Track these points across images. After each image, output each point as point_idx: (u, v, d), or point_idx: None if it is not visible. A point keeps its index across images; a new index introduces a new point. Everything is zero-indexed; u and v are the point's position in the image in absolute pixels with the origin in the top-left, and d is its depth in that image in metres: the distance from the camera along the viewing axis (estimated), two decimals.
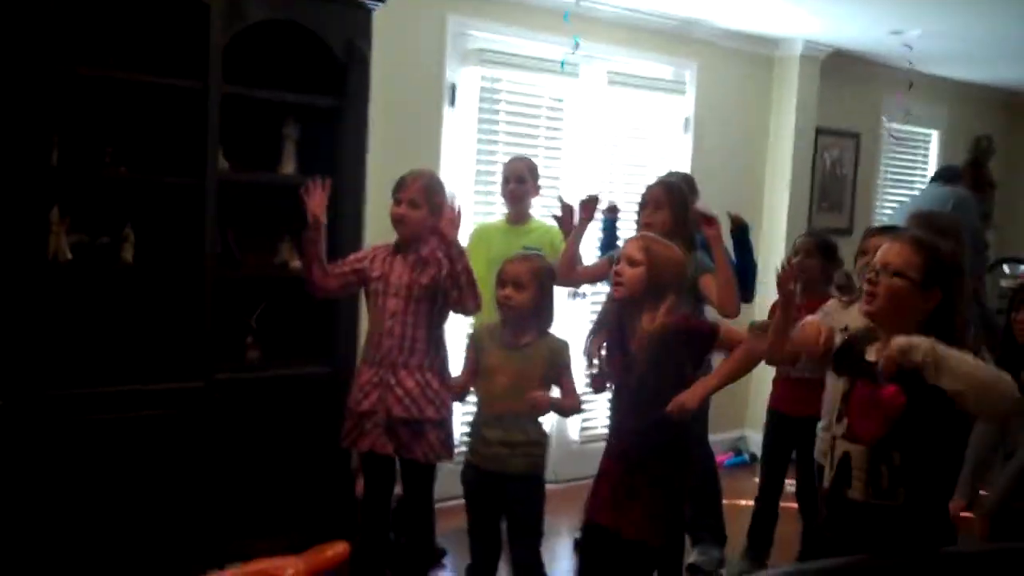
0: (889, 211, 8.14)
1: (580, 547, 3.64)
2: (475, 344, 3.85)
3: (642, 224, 4.29)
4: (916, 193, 7.97)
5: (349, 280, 4.03)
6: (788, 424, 4.67)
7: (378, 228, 4.32)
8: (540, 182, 4.99)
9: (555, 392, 3.73)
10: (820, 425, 3.92)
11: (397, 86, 5.02)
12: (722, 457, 6.47)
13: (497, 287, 3.68)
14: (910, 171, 8.35)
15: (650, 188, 4.42)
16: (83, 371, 3.92)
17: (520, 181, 4.91)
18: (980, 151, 8.67)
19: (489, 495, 3.74)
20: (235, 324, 4.41)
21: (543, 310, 3.72)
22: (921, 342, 2.55)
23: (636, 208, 4.43)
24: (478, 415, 3.83)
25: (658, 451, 3.25)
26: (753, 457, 6.82)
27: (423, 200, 3.88)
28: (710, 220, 4.11)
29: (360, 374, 3.95)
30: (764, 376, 4.70)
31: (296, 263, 4.50)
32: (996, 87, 8.56)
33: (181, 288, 4.14)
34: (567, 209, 4.52)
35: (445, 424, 3.94)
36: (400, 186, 3.93)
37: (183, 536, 4.08)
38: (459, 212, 3.75)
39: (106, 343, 4.11)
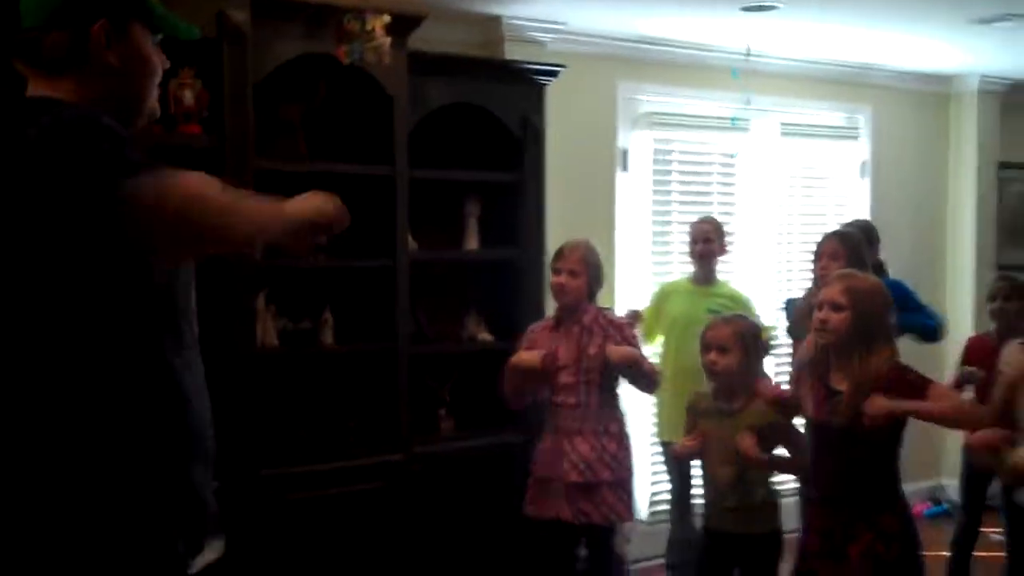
0: None
1: None
2: (692, 411, 3.82)
3: (817, 277, 4.30)
4: None
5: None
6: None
7: None
8: (726, 241, 5.06)
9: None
10: None
11: (572, 156, 5.12)
12: (920, 507, 6.31)
13: (702, 352, 3.68)
14: None
15: (824, 238, 4.42)
16: (292, 451, 4.14)
17: (707, 241, 4.95)
18: None
19: (726, 557, 3.73)
20: (429, 398, 4.58)
21: (752, 372, 3.67)
22: None
23: (812, 259, 4.46)
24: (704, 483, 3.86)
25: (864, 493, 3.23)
26: (953, 505, 6.61)
27: (582, 269, 3.94)
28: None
29: (542, 442, 4.05)
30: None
31: (484, 335, 4.64)
32: None
33: (378, 366, 4.33)
34: None
35: (624, 485, 3.99)
36: (559, 256, 4.00)
37: None
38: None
39: (311, 423, 4.32)
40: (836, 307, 3.21)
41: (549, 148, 4.68)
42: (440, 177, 4.52)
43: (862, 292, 3.25)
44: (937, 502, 6.60)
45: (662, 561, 5.25)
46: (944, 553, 5.19)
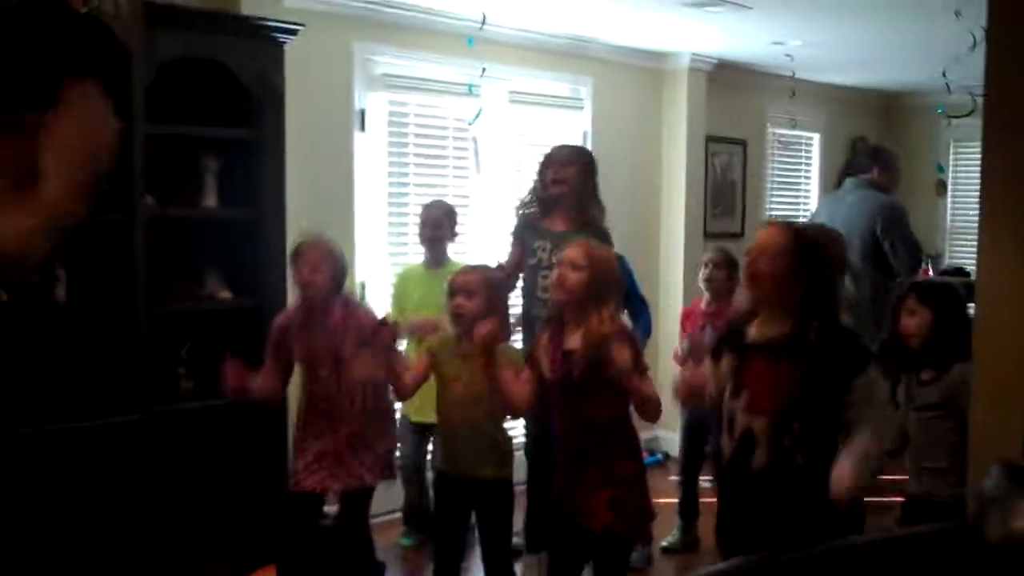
0: (777, 212, 8.50)
1: (549, 548, 3.75)
2: (430, 357, 3.89)
3: (549, 181, 4.54)
4: (805, 193, 8.33)
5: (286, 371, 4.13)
6: (702, 416, 4.94)
7: None
8: (456, 227, 5.19)
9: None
10: None
11: (311, 115, 5.11)
12: None
13: (448, 299, 3.76)
14: (795, 173, 8.70)
15: (556, 149, 4.72)
16: (22, 411, 3.95)
17: (436, 227, 5.07)
18: (856, 152, 9.09)
19: (461, 501, 3.84)
20: (168, 358, 4.48)
21: (492, 316, 3.72)
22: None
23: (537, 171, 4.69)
24: (439, 424, 3.92)
25: (602, 448, 3.41)
26: (666, 456, 7.07)
27: (324, 265, 3.93)
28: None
29: (304, 422, 4.05)
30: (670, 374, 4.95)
31: (224, 293, 4.59)
32: (871, 90, 8.96)
33: (114, 324, 4.20)
34: None
35: (390, 444, 4.13)
36: (297, 255, 3.97)
37: (130, 566, 4.14)
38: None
39: (44, 382, 4.15)
40: (575, 267, 3.38)
41: (289, 106, 4.65)
42: (177, 132, 4.42)
43: (600, 257, 3.44)
44: (652, 453, 7.02)
45: (399, 515, 5.38)
46: (664, 500, 5.57)
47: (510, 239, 4.80)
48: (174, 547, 4.28)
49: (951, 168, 9.11)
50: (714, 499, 5.19)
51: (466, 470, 3.77)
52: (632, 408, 3.42)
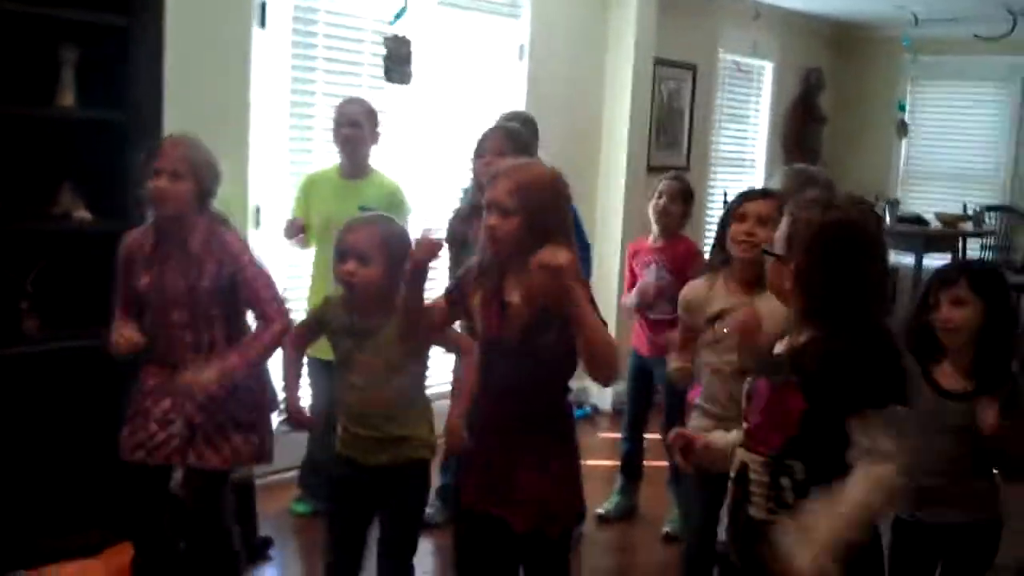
0: (724, 147, 7.89)
1: (457, 538, 3.08)
2: (318, 324, 3.16)
3: (478, 176, 3.79)
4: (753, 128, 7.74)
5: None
6: (649, 363, 4.60)
7: None
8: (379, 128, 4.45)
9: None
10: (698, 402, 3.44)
11: (199, 4, 4.34)
12: None
13: (336, 261, 2.98)
14: (744, 104, 8.10)
15: (488, 133, 3.89)
16: None
17: (354, 125, 4.32)
18: (810, 85, 8.54)
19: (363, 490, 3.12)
20: (7, 289, 3.68)
21: (395, 285, 2.93)
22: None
23: (472, 155, 3.91)
24: (339, 406, 3.16)
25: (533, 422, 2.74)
26: (595, 409, 6.46)
27: (186, 169, 3.15)
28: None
29: (147, 376, 3.26)
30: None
31: (82, 213, 3.78)
32: (827, 18, 8.42)
33: None
34: None
35: (258, 425, 3.33)
36: (156, 154, 3.18)
37: None
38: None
39: None
40: (504, 211, 2.64)
41: None
42: (27, 11, 3.58)
43: (534, 188, 2.66)
44: (580, 405, 6.38)
45: (295, 474, 4.65)
46: (593, 462, 5.02)
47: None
48: (5, 517, 3.55)
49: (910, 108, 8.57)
50: (661, 463, 4.80)
51: (369, 459, 3.05)
52: (582, 364, 2.70)
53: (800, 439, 2.22)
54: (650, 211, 4.61)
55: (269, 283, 3.25)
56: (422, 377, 3.13)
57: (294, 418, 3.17)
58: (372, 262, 2.91)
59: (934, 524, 2.94)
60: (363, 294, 2.96)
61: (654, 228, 4.59)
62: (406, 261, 2.83)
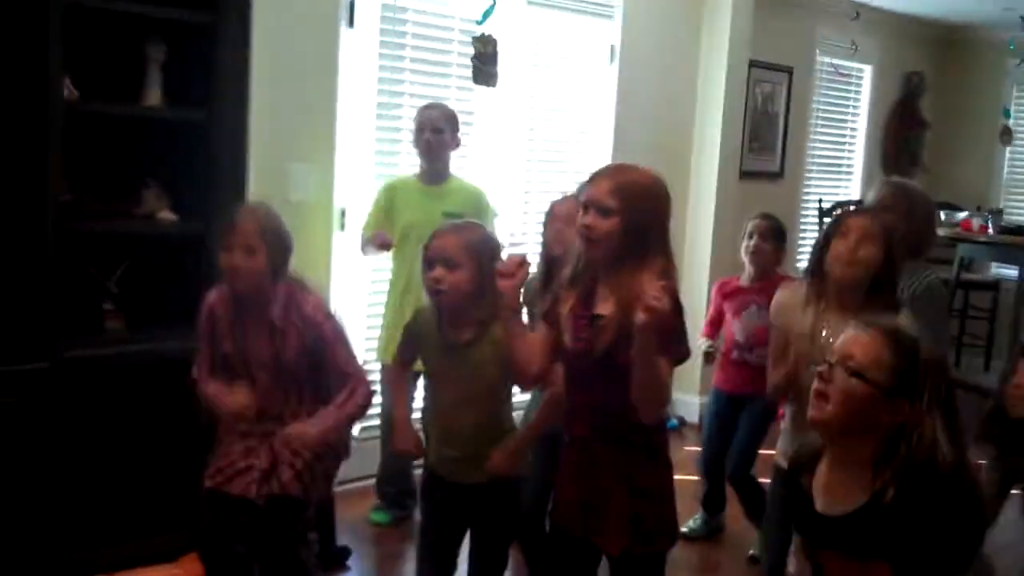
0: (820, 153, 7.65)
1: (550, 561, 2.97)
2: (414, 338, 3.04)
3: (547, 242, 3.53)
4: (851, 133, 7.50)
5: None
6: (733, 403, 4.39)
7: (264, 177, 3.55)
8: (459, 133, 4.35)
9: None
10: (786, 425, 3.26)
11: (286, 1, 4.26)
12: None
13: (424, 268, 2.88)
14: (842, 108, 7.85)
15: (560, 200, 3.58)
16: None
17: (437, 131, 4.22)
18: (912, 88, 8.27)
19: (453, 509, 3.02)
20: (90, 289, 3.64)
21: (485, 294, 2.81)
22: None
23: (544, 220, 3.62)
24: (428, 423, 3.09)
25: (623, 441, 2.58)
26: (682, 421, 6.28)
27: (260, 244, 3.02)
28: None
29: (229, 445, 3.17)
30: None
31: (166, 214, 3.73)
32: (930, 21, 8.13)
33: (19, 245, 3.34)
34: None
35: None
36: (230, 228, 3.05)
37: (30, 544, 3.36)
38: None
39: None
40: (603, 210, 2.48)
41: None
42: (114, 8, 3.53)
43: (636, 190, 2.51)
44: (667, 418, 6.22)
45: (372, 483, 4.57)
46: (688, 477, 4.87)
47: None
48: (83, 522, 3.50)
49: (1015, 114, 8.25)
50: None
51: (459, 477, 2.95)
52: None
53: None
54: (742, 252, 4.40)
55: (346, 342, 3.15)
56: (511, 397, 3.01)
57: (401, 445, 3.05)
58: (460, 268, 2.80)
59: None
60: (451, 302, 2.84)
61: (748, 268, 4.38)
62: (495, 263, 2.72)
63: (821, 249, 3.03)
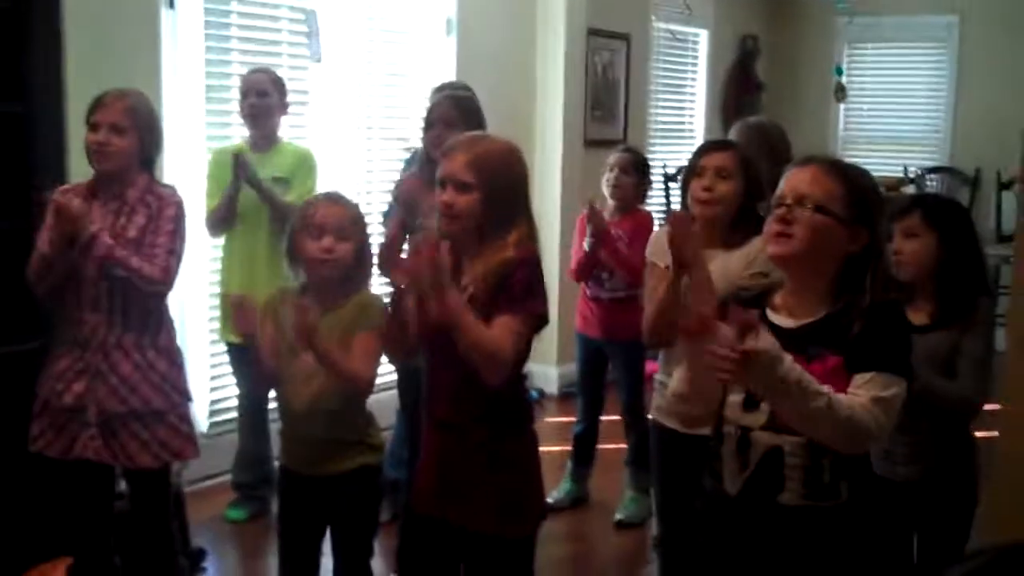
0: (661, 119, 7.71)
1: (402, 544, 2.91)
2: (270, 314, 2.91)
3: (428, 148, 3.57)
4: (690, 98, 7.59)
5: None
6: (601, 349, 4.50)
7: (85, 167, 3.38)
8: (288, 98, 4.22)
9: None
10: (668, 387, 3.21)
11: None
12: None
13: (308, 238, 2.77)
14: (681, 74, 7.93)
15: (435, 103, 3.68)
16: None
17: (262, 95, 4.10)
18: (747, 51, 8.40)
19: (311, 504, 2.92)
20: None
21: (365, 263, 2.88)
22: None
23: (421, 128, 3.70)
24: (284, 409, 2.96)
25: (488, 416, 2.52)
26: (541, 393, 6.27)
27: (129, 124, 3.03)
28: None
29: (56, 359, 3.09)
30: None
31: None
32: None
33: None
34: None
35: (181, 414, 3.15)
36: (97, 106, 3.05)
37: None
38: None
39: None
40: (461, 186, 2.43)
41: None
42: None
43: (494, 161, 2.47)
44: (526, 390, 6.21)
45: (228, 479, 4.43)
46: (550, 448, 4.88)
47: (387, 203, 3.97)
48: None
49: (847, 71, 8.47)
50: (611, 445, 4.66)
51: (315, 470, 2.86)
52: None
53: None
54: (603, 186, 4.44)
55: (179, 234, 3.12)
56: None
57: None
58: (348, 240, 2.77)
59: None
60: (333, 273, 2.78)
61: (609, 203, 4.42)
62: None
63: (684, 187, 3.03)
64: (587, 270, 4.35)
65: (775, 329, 2.09)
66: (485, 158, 2.47)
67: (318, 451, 2.83)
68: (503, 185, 2.47)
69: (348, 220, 2.81)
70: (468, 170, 2.43)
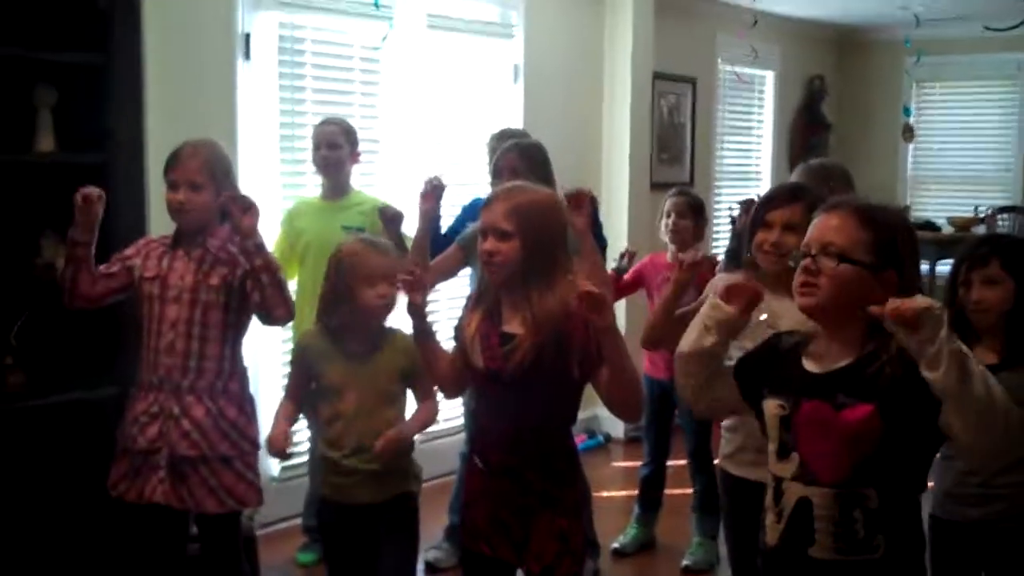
0: (728, 161, 7.72)
1: None
2: (305, 364, 3.06)
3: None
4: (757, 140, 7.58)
5: (118, 283, 3.22)
6: (668, 391, 4.30)
7: (166, 218, 3.46)
8: (360, 147, 4.30)
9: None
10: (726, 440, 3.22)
11: (178, 38, 4.20)
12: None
13: (364, 286, 2.92)
14: (747, 116, 7.94)
15: (501, 153, 3.75)
16: None
17: (333, 147, 4.17)
18: (813, 92, 8.39)
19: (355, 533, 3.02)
20: None
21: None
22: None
23: (490, 177, 3.82)
24: (324, 445, 3.06)
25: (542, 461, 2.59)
26: (608, 438, 6.26)
27: (206, 180, 3.11)
28: (579, 201, 3.39)
29: (134, 403, 3.17)
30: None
31: (64, 263, 3.62)
32: (827, 23, 8.26)
33: None
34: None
35: (247, 460, 3.20)
36: (173, 164, 3.14)
37: None
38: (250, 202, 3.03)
39: None
40: (501, 234, 2.51)
41: (152, 26, 3.69)
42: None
43: (532, 209, 2.54)
44: (592, 434, 6.20)
45: (299, 523, 4.49)
46: (607, 493, 4.90)
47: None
48: None
49: (916, 110, 8.41)
50: (678, 490, 4.65)
51: (357, 498, 2.98)
52: (606, 401, 2.57)
53: (873, 463, 2.06)
54: (662, 232, 4.45)
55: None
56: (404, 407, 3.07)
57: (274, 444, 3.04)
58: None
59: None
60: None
61: (670, 248, 4.43)
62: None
63: (750, 235, 3.01)
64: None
65: (805, 375, 2.09)
66: (524, 207, 2.54)
67: (359, 480, 2.94)
68: (542, 233, 2.53)
69: (397, 267, 2.89)
70: (508, 219, 2.51)
